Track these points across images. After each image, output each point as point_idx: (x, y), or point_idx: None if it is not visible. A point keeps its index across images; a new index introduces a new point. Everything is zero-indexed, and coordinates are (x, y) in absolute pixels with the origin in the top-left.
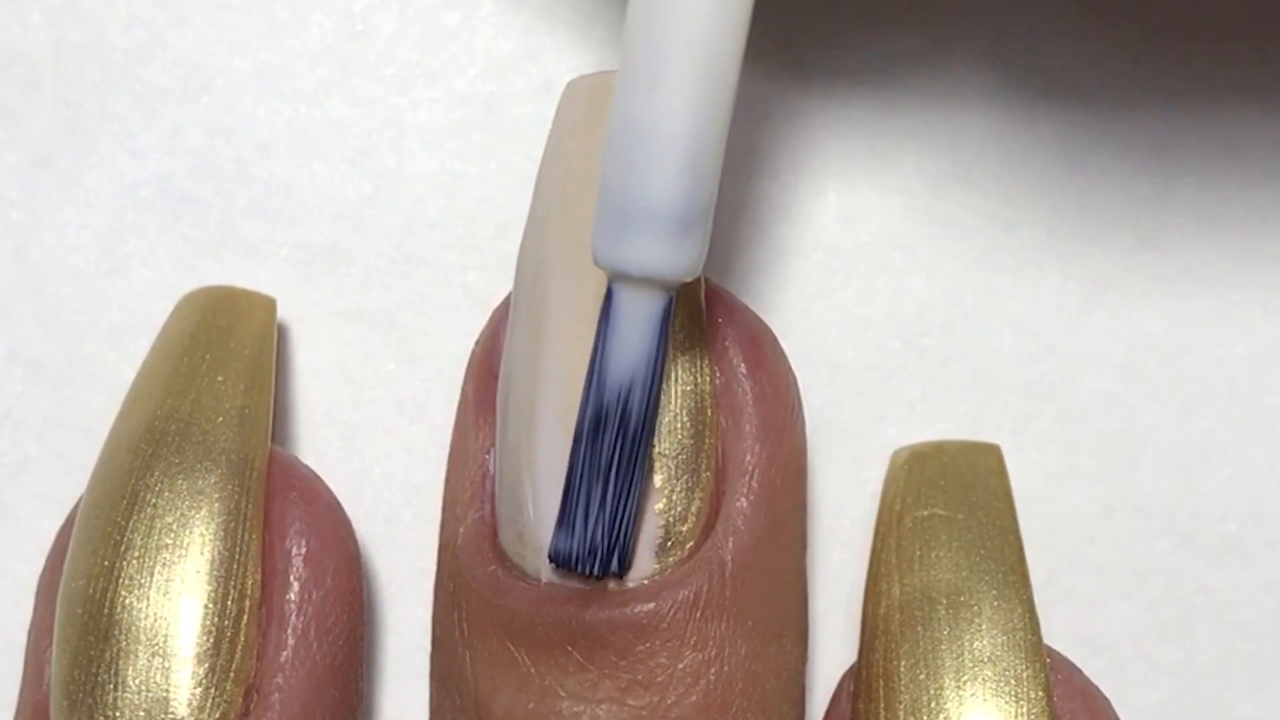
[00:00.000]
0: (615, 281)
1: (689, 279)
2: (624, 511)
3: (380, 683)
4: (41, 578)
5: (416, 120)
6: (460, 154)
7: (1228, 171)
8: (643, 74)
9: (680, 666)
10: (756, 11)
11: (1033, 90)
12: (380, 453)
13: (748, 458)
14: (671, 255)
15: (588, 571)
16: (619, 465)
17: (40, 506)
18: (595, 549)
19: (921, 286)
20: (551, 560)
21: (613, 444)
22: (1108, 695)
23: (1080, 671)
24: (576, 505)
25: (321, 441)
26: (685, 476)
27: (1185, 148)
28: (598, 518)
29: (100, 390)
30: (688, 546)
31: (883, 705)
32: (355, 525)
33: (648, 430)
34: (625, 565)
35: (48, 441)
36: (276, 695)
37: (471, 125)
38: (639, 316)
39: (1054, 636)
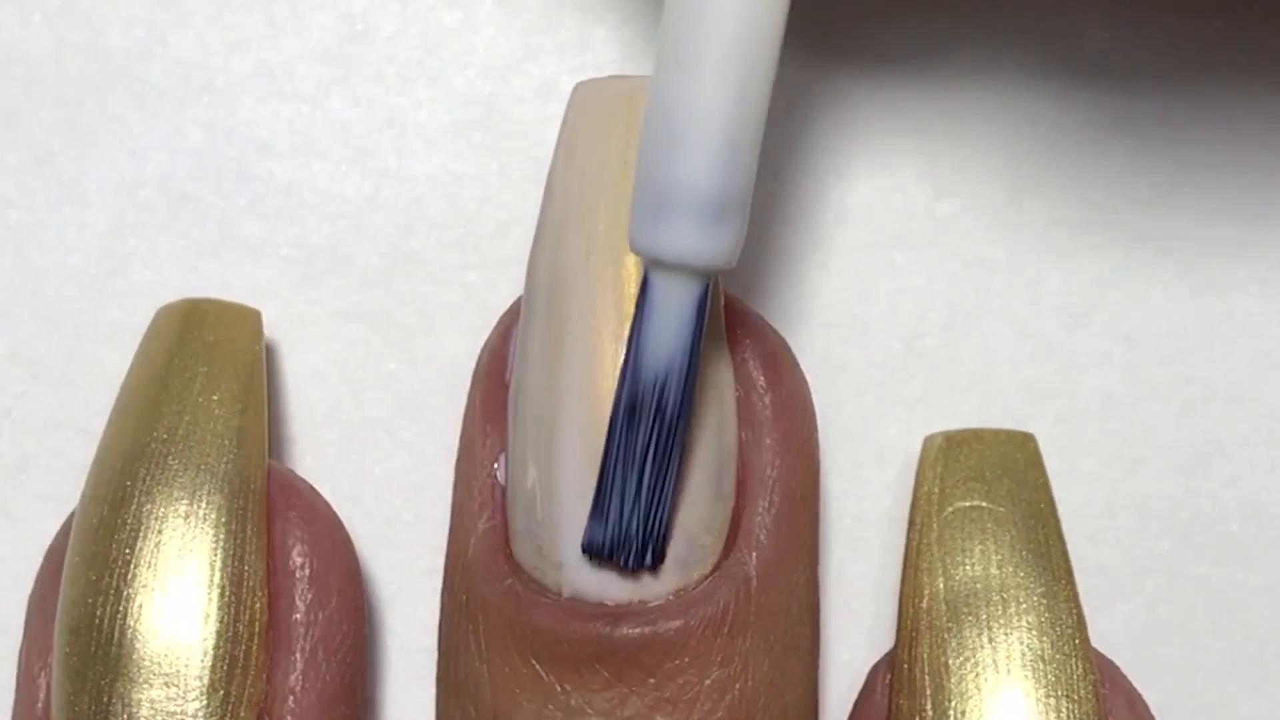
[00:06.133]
0: (651, 269)
1: (726, 267)
2: (659, 502)
3: (381, 684)
4: (32, 596)
5: (416, 120)
6: (460, 154)
7: (1228, 171)
8: (681, 58)
9: (707, 683)
10: None
11: (1033, 90)
12: (380, 453)
13: (769, 471)
14: (708, 241)
15: (623, 562)
16: (654, 454)
17: (40, 506)
18: (630, 540)
19: (921, 286)
20: (585, 551)
21: (648, 433)
22: None
23: (1121, 672)
24: (611, 494)
25: (321, 441)
26: (708, 489)
27: (1185, 147)
28: (633, 508)
29: (100, 390)
30: (710, 561)
31: (930, 702)
32: (355, 525)
33: (683, 419)
34: (659, 558)
35: (48, 441)
36: (289, 718)
37: (471, 125)
38: (675, 304)
39: None
